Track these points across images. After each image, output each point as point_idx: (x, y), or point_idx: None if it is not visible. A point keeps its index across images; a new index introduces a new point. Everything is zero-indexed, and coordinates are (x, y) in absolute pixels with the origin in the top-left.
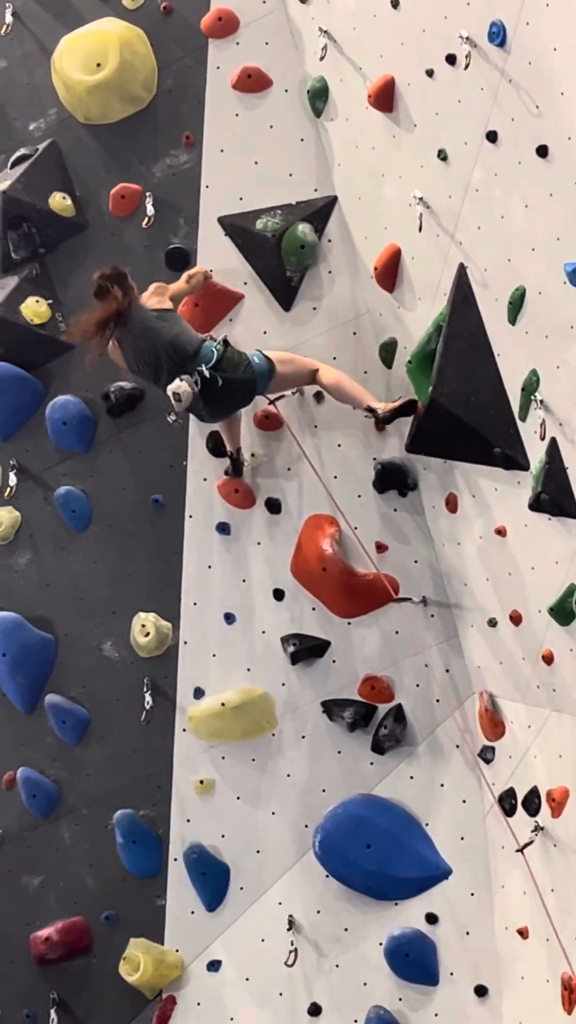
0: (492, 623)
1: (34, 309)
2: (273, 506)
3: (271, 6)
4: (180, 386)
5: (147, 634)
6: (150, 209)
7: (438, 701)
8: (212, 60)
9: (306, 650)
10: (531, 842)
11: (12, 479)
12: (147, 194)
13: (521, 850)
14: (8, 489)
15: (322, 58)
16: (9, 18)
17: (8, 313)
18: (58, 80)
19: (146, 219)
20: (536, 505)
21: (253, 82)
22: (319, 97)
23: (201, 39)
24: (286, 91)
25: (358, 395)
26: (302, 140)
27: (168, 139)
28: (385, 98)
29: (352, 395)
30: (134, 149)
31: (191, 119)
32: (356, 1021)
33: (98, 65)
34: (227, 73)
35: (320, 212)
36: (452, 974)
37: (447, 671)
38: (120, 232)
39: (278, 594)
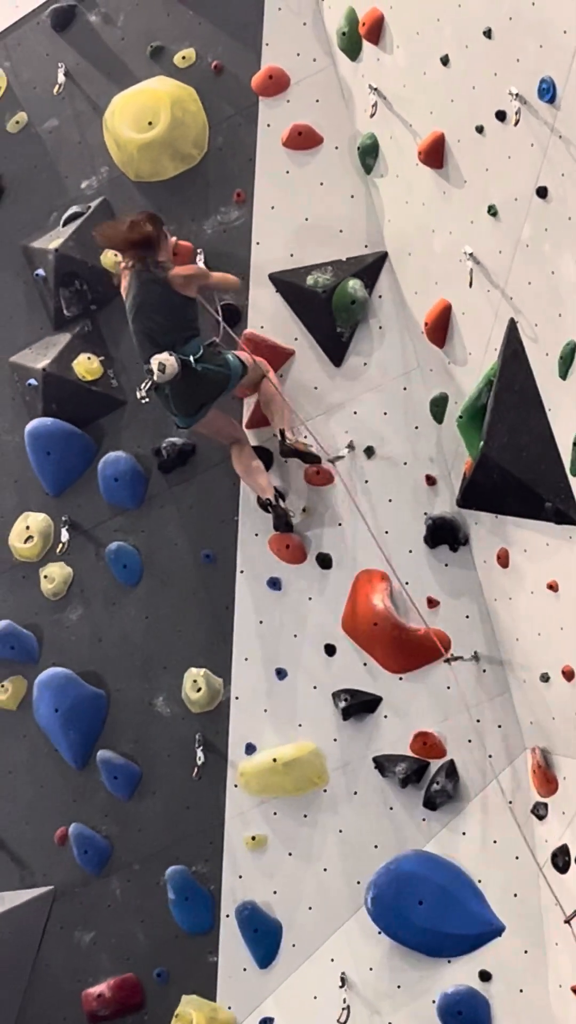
0: (544, 678)
1: (86, 366)
2: (324, 561)
3: (321, 64)
4: (169, 359)
5: (199, 689)
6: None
7: (490, 757)
8: (263, 118)
9: (357, 705)
10: None
11: (64, 535)
12: (198, 251)
13: (568, 921)
14: (60, 545)
15: (372, 115)
16: (61, 77)
17: (60, 370)
18: (110, 138)
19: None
20: None
21: (303, 139)
22: (369, 154)
23: (252, 97)
24: (336, 148)
25: (281, 416)
26: (352, 196)
27: (219, 196)
28: (435, 154)
29: (274, 413)
30: (185, 206)
31: (242, 176)
32: None
33: (149, 123)
34: (278, 130)
35: (370, 268)
36: None
37: (499, 727)
38: None
39: (329, 649)
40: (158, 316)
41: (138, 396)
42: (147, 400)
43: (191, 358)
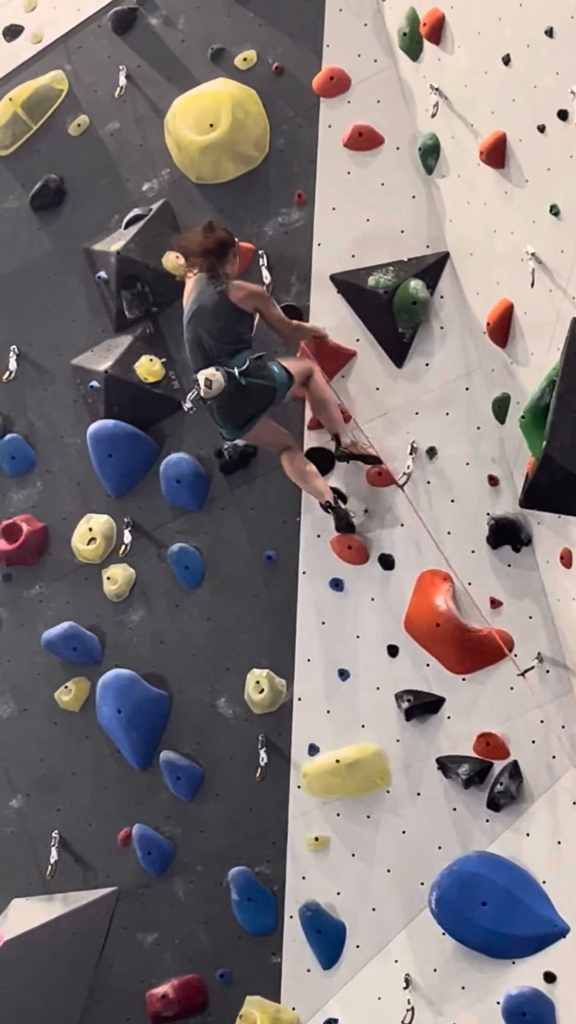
0: None
1: (148, 368)
2: (386, 562)
3: (382, 64)
4: (216, 375)
5: (261, 691)
6: (266, 275)
7: (554, 757)
8: (324, 119)
9: (420, 706)
10: None
11: (127, 536)
12: (260, 252)
13: None
14: (123, 547)
15: (433, 115)
16: (123, 80)
17: (122, 372)
18: (171, 141)
19: (265, 284)
20: None
21: (365, 140)
22: (431, 154)
23: (313, 98)
24: (397, 148)
25: (335, 419)
26: (414, 197)
27: (280, 198)
28: (497, 154)
29: (329, 415)
30: (246, 208)
31: (303, 177)
32: None
33: (211, 125)
34: (339, 131)
35: (432, 268)
36: None
37: (563, 727)
38: None
39: (392, 650)
40: (210, 325)
41: (184, 407)
42: (193, 410)
43: (235, 370)
